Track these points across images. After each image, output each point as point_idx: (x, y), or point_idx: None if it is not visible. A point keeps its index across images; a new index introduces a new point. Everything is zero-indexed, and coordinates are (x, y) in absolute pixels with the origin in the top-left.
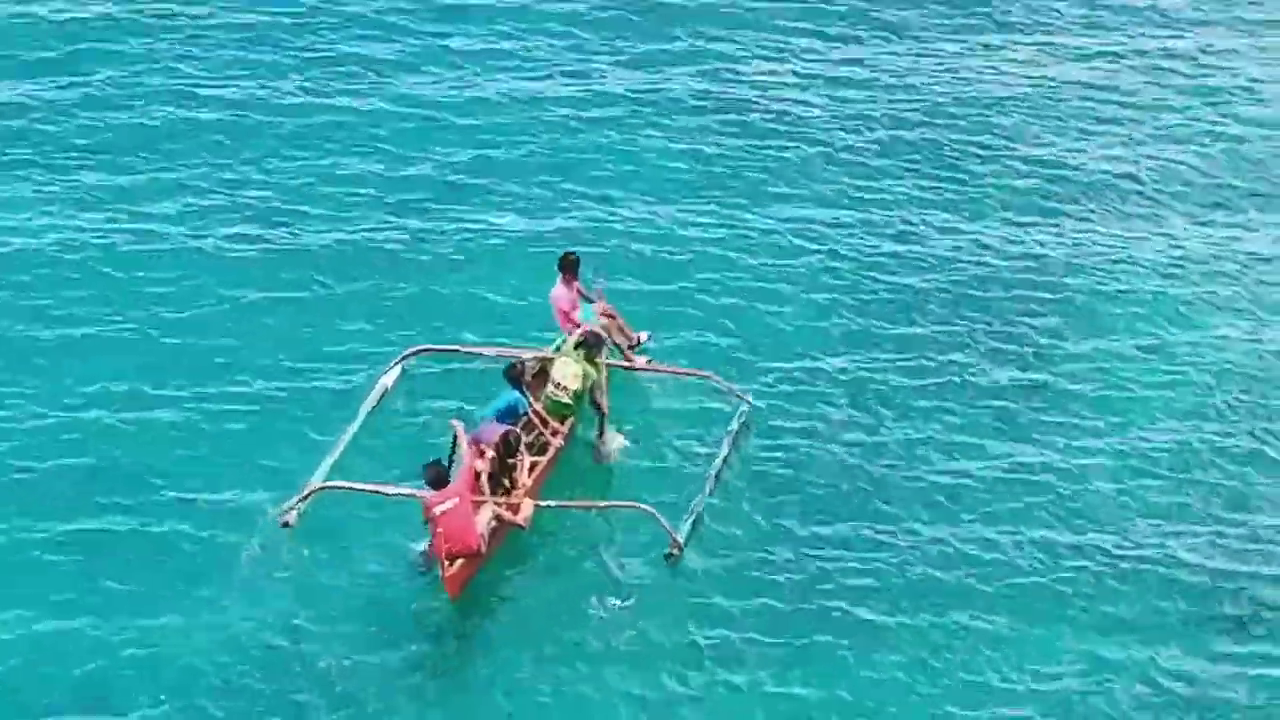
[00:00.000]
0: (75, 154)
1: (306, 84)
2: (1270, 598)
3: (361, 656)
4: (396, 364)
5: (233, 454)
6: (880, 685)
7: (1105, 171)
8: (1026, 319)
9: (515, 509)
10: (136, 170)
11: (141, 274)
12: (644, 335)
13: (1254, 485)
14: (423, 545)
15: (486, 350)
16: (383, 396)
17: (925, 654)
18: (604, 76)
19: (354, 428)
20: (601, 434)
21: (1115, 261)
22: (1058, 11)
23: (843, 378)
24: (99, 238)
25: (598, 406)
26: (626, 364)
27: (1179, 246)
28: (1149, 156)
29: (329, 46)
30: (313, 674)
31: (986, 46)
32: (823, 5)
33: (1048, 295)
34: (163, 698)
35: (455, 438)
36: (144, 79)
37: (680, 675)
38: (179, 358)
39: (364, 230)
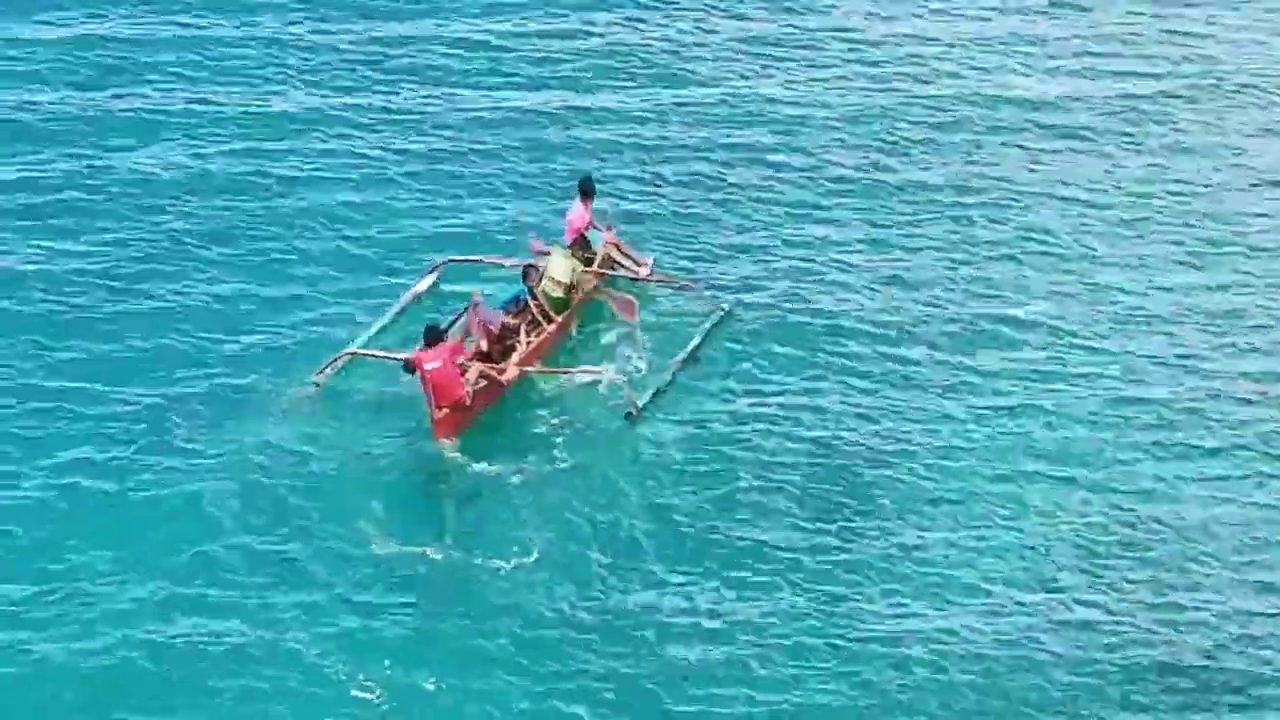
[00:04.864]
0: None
1: None
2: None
3: (363, 481)
4: (431, 272)
5: (282, 326)
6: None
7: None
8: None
9: (501, 372)
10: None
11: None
12: (650, 260)
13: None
14: None
15: (507, 261)
16: (416, 298)
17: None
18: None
19: (387, 318)
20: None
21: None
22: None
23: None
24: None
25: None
26: (630, 275)
27: None
28: None
29: None
30: (318, 494)
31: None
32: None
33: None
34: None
35: (471, 305)
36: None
37: (621, 516)
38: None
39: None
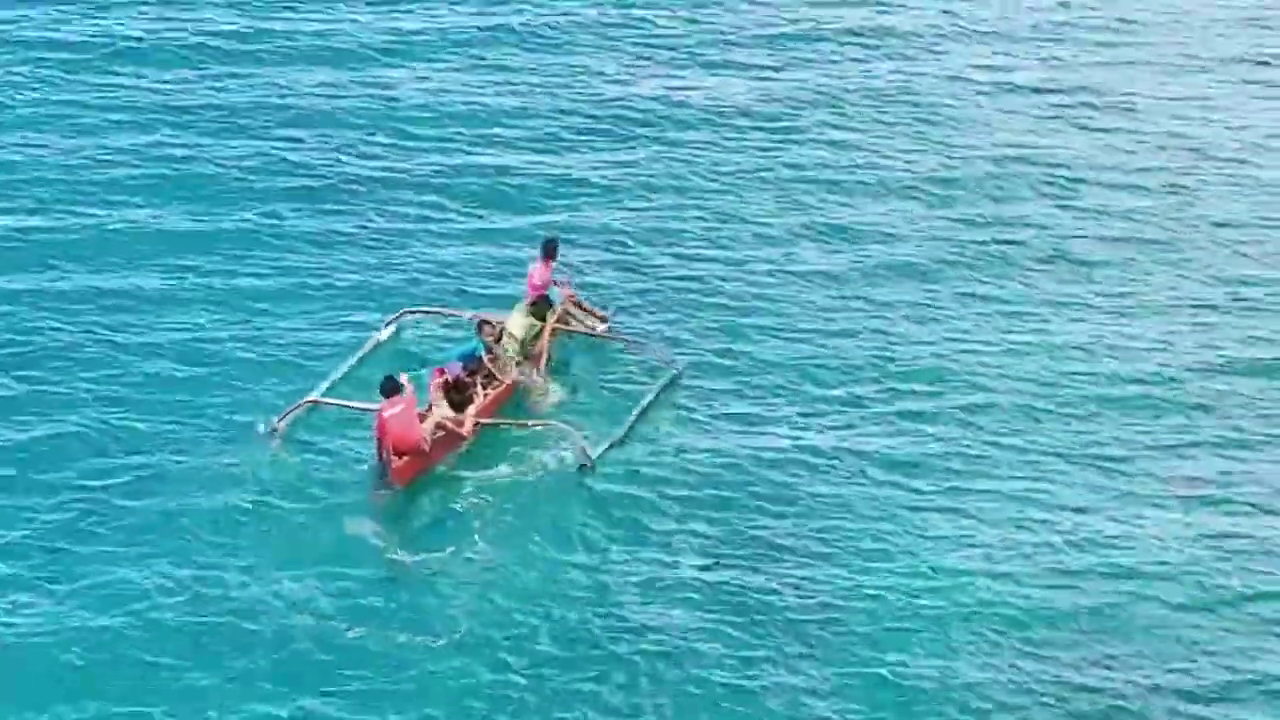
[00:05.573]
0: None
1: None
2: None
3: (316, 531)
4: (391, 322)
5: (237, 381)
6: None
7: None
8: None
9: (460, 423)
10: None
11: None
12: (607, 315)
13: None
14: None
15: (465, 314)
16: (376, 346)
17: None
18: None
19: (346, 366)
20: (535, 380)
21: None
22: None
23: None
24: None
25: (536, 358)
26: (587, 331)
27: None
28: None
29: None
30: (277, 539)
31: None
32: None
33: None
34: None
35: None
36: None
37: (574, 568)
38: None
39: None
